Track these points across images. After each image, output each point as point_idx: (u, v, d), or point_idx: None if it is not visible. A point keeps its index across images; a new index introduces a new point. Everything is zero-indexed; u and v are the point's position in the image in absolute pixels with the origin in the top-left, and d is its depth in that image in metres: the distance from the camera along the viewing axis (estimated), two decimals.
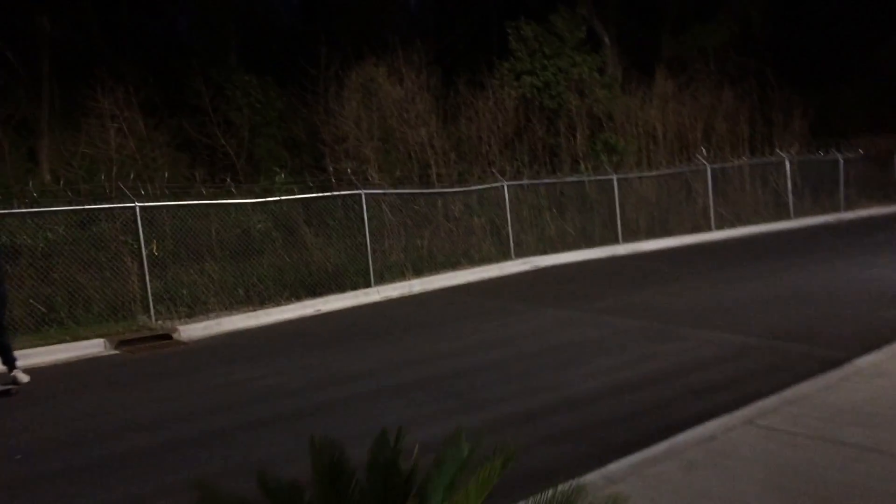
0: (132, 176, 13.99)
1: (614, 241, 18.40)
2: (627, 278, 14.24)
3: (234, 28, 23.42)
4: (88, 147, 15.62)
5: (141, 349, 10.26)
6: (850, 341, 7.86)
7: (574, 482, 2.81)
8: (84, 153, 15.53)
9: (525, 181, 17.69)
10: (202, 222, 12.77)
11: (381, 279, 14.09)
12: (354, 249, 14.13)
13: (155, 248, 11.89)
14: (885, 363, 6.75)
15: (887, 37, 27.97)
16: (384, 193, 15.16)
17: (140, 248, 11.61)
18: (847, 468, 4.51)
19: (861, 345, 7.49)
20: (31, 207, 11.42)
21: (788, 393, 6.08)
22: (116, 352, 10.21)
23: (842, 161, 23.38)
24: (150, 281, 11.69)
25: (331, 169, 16.40)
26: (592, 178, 18.87)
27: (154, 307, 11.57)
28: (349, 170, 15.82)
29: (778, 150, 22.54)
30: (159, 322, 11.39)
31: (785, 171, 22.10)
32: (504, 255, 16.42)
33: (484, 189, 16.88)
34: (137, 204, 11.70)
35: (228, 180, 14.15)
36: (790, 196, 22.07)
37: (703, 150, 21.35)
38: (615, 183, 18.67)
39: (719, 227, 20.23)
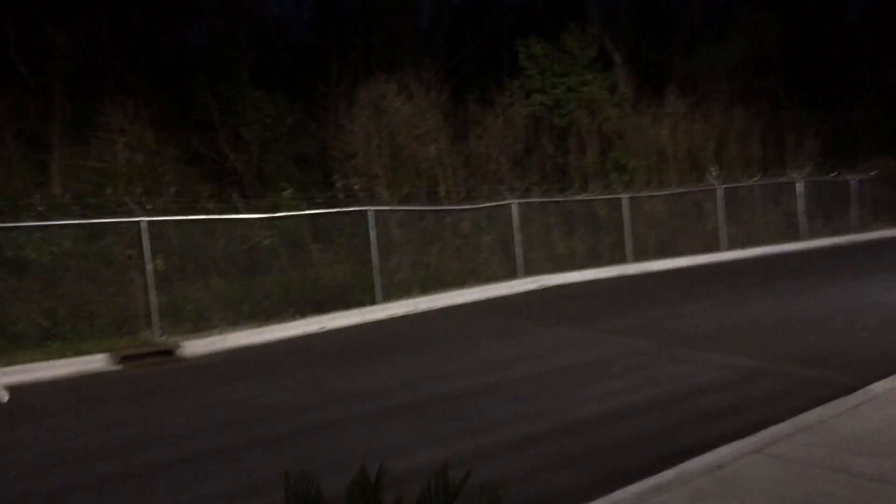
0: (139, 191, 13.96)
1: (623, 260, 18.25)
2: (636, 298, 14.08)
3: (245, 44, 23.48)
4: (97, 161, 15.63)
5: (143, 365, 10.18)
6: (863, 366, 7.67)
7: None
8: (92, 167, 15.54)
9: (534, 199, 17.58)
10: (208, 237, 12.72)
11: (388, 296, 13.99)
12: (361, 266, 14.04)
13: (158, 263, 11.83)
14: None
15: None
16: (392, 210, 15.09)
17: (145, 262, 11.55)
18: (858, 501, 4.36)
19: (875, 370, 7.30)
20: (36, 221, 11.37)
21: (799, 420, 5.91)
22: (119, 367, 10.13)
23: (854, 182, 23.18)
24: (155, 296, 11.63)
25: (339, 185, 16.34)
26: (602, 196, 18.76)
27: (158, 322, 11.50)
28: (356, 186, 15.76)
29: (789, 171, 22.35)
30: (163, 337, 11.31)
31: (797, 192, 21.91)
32: (512, 274, 16.29)
33: (492, 207, 16.79)
34: (143, 218, 11.67)
35: (235, 196, 14.09)
36: (802, 217, 21.87)
37: (714, 170, 21.19)
38: (625, 202, 18.55)
39: (730, 247, 20.04)
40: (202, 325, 11.88)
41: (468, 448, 6.07)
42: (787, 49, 28.51)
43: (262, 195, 16.90)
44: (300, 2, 32.03)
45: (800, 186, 21.88)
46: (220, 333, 11.58)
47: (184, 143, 18.93)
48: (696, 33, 27.14)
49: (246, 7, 24.58)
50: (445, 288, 14.94)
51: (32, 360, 9.85)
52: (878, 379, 6.86)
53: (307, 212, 14.01)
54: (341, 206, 14.29)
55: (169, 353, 10.74)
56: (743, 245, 20.23)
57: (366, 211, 14.10)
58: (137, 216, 11.76)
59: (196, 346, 11.01)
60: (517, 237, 16.55)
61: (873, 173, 23.69)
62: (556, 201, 18.01)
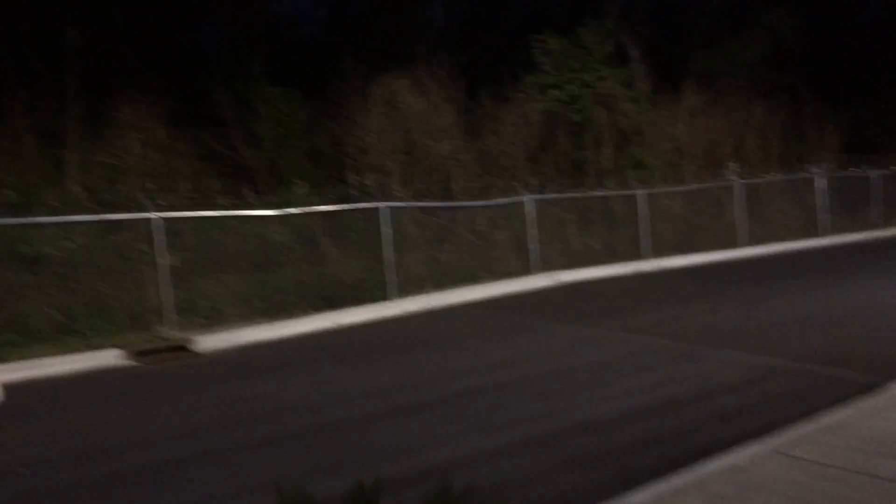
0: (151, 186, 13.95)
1: (640, 256, 18.07)
2: (652, 295, 13.90)
3: (259, 41, 23.45)
4: (110, 157, 15.65)
5: (157, 360, 10.15)
6: (886, 366, 7.49)
7: None
8: (106, 163, 15.57)
9: (549, 195, 17.43)
10: (222, 233, 12.68)
11: (401, 293, 13.91)
12: (374, 262, 13.97)
13: (170, 258, 11.80)
14: None
15: None
16: (405, 206, 15.00)
17: (158, 258, 11.54)
18: None
19: None
20: (50, 216, 11.39)
21: (821, 420, 5.77)
22: (132, 362, 10.11)
23: (875, 177, 22.82)
24: (169, 291, 11.62)
25: (352, 181, 16.27)
26: (618, 192, 18.57)
27: (172, 318, 11.48)
28: (369, 182, 15.69)
29: (809, 166, 22.04)
30: (176, 333, 11.28)
31: (817, 188, 21.61)
32: (526, 270, 16.16)
33: (507, 203, 16.66)
34: (155, 214, 11.65)
35: (247, 191, 14.06)
36: (822, 213, 21.57)
37: (733, 166, 20.94)
38: (641, 198, 18.36)
39: (749, 244, 19.79)
40: (215, 321, 11.86)
41: (481, 447, 5.97)
42: (808, 43, 28.12)
43: (276, 191, 16.86)
44: None
45: (820, 182, 21.57)
46: (234, 329, 11.55)
47: (197, 140, 18.92)
48: (714, 28, 26.81)
49: (260, 4, 24.53)
50: (459, 284, 14.84)
51: (46, 355, 9.85)
52: None
53: (320, 208, 13.94)
54: (354, 203, 14.21)
55: (182, 348, 10.72)
56: (762, 241, 19.97)
57: (379, 207, 14.02)
58: (150, 212, 11.73)
59: (209, 342, 10.97)
60: (532, 233, 16.41)
61: (895, 168, 23.32)
62: (571, 197, 17.85)
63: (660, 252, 18.45)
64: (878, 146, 24.94)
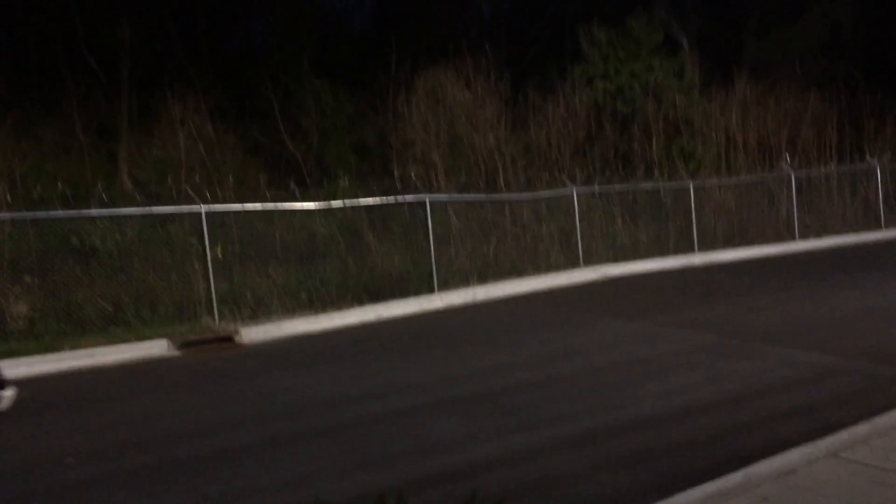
0: (199, 179, 14.15)
1: (690, 250, 17.67)
2: (703, 290, 13.58)
3: (306, 35, 23.61)
4: (160, 151, 15.92)
5: (202, 351, 10.27)
6: None
7: None
8: (156, 157, 15.84)
9: (596, 187, 17.16)
10: (267, 226, 12.78)
11: (445, 286, 13.84)
12: (419, 255, 13.93)
13: (220, 250, 11.94)
14: None
15: None
16: (450, 199, 14.91)
17: (205, 250, 11.68)
18: None
19: None
20: (99, 210, 11.60)
21: (878, 422, 5.53)
22: (178, 353, 10.25)
23: None
24: (215, 283, 11.74)
25: (397, 174, 16.24)
26: (667, 185, 18.19)
27: (217, 309, 11.61)
28: (414, 175, 15.64)
29: (868, 157, 21.28)
30: (222, 324, 11.41)
31: (876, 179, 20.84)
32: (572, 264, 15.94)
33: (553, 195, 16.45)
34: (203, 207, 11.78)
35: (292, 184, 14.13)
36: (881, 205, 20.81)
37: (787, 157, 20.33)
38: (691, 190, 17.95)
39: (803, 237, 19.21)
40: (260, 313, 11.95)
41: (522, 444, 5.87)
42: (864, 31, 27.16)
43: (322, 184, 16.95)
44: None
45: (879, 173, 20.81)
46: (278, 321, 11.61)
47: (245, 133, 19.15)
48: (768, 16, 26.08)
49: None
50: (504, 278, 14.70)
51: (96, 345, 10.03)
52: None
53: (365, 201, 13.94)
54: (399, 195, 14.17)
55: (227, 339, 10.82)
56: (818, 234, 19.37)
57: (424, 199, 13.96)
58: (198, 205, 11.87)
59: (254, 333, 11.06)
60: (578, 226, 16.17)
61: None
62: (618, 190, 17.54)
63: (710, 246, 18.03)
64: None
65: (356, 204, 13.86)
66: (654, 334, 9.76)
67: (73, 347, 9.89)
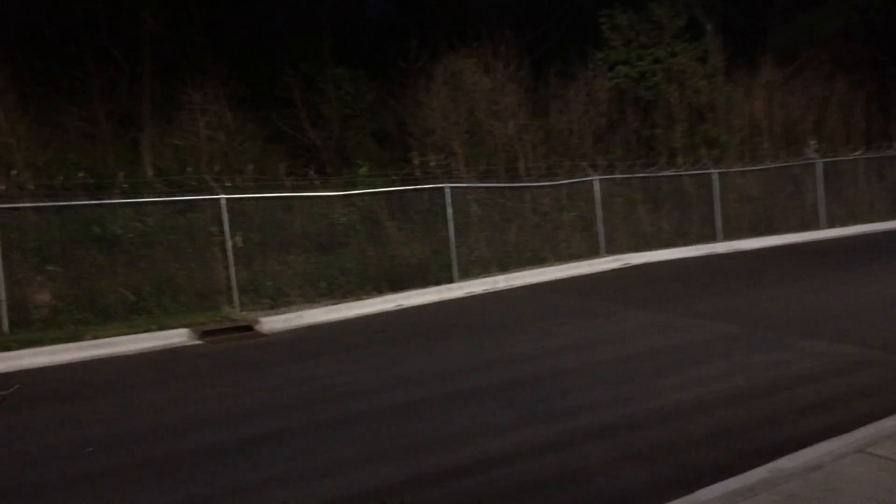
0: (218, 168, 14.15)
1: (713, 238, 17.46)
2: (726, 279, 13.40)
3: (327, 22, 23.54)
4: (181, 140, 15.94)
5: (222, 340, 10.31)
6: None
7: None
8: (177, 145, 15.86)
9: (618, 175, 16.98)
10: (287, 214, 12.77)
11: (465, 274, 13.78)
12: (438, 244, 13.86)
13: (240, 239, 11.95)
14: None
15: None
16: (469, 187, 14.82)
17: (225, 239, 11.70)
18: None
19: None
20: (120, 199, 11.65)
21: None
22: (199, 342, 10.29)
23: None
24: (235, 272, 11.77)
25: (416, 162, 16.15)
26: (690, 172, 17.96)
27: (238, 298, 11.64)
28: (433, 163, 15.54)
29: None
30: (243, 313, 11.44)
31: None
32: (594, 252, 15.81)
33: (574, 183, 16.29)
34: (223, 196, 11.79)
35: (312, 172, 14.10)
36: None
37: (814, 144, 19.97)
38: (715, 177, 17.71)
39: (830, 225, 18.91)
40: (280, 302, 11.97)
41: (542, 435, 5.81)
42: (892, 14, 26.55)
43: (343, 171, 16.91)
44: None
45: None
46: (298, 310, 11.63)
47: (265, 121, 19.14)
48: (793, 0, 25.57)
49: None
50: (524, 266, 14.62)
51: (118, 334, 10.10)
52: None
53: (385, 189, 13.89)
54: (419, 183, 14.11)
55: (248, 328, 10.85)
56: (845, 222, 19.05)
57: (443, 188, 13.88)
58: (217, 193, 11.88)
59: (274, 323, 11.08)
60: (599, 214, 16.02)
61: None
62: (640, 177, 17.35)
63: (734, 234, 17.80)
64: None
65: (376, 192, 13.82)
66: (676, 324, 9.64)
67: (95, 336, 9.97)
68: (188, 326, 10.53)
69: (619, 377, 7.37)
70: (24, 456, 6.11)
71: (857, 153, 20.51)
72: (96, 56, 19.39)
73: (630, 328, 9.68)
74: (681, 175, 17.87)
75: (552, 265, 14.84)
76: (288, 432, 6.27)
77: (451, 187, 14.04)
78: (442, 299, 12.81)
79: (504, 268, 14.41)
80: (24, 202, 11.38)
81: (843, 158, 20.00)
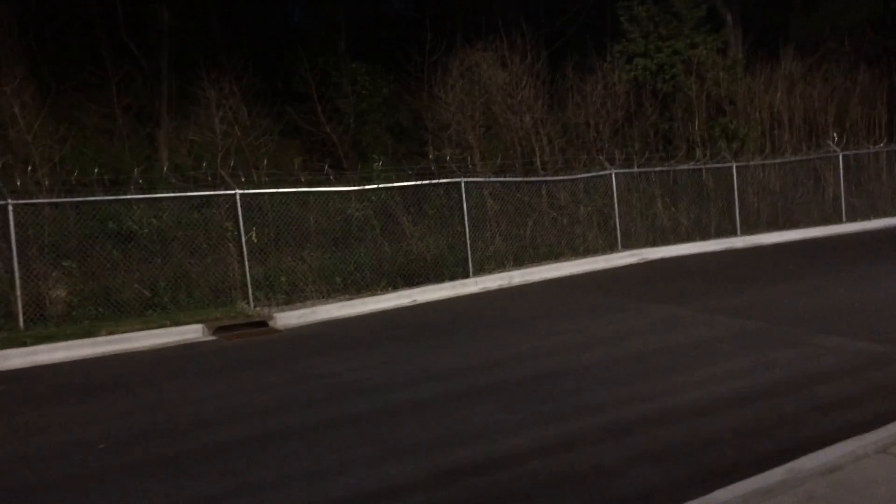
0: (232, 164, 14.15)
1: (732, 233, 17.25)
2: (745, 274, 13.22)
3: (344, 16, 23.51)
4: (197, 135, 15.97)
5: (236, 336, 10.29)
6: None
7: None
8: (192, 140, 15.90)
9: (635, 169, 16.80)
10: (302, 209, 12.74)
11: (481, 269, 13.69)
12: (454, 238, 13.78)
13: (254, 234, 11.94)
14: None
15: None
16: (485, 181, 14.71)
17: (240, 234, 11.69)
18: None
19: None
20: (135, 194, 11.67)
21: None
22: (213, 338, 10.29)
23: None
24: (250, 267, 11.76)
25: (431, 156, 16.07)
26: (709, 165, 17.74)
27: (252, 294, 11.63)
28: (448, 157, 15.45)
29: None
30: (257, 309, 11.43)
31: None
32: (611, 247, 15.66)
33: (590, 177, 16.14)
34: (238, 191, 11.77)
35: (327, 167, 14.06)
36: None
37: (835, 136, 19.67)
38: (734, 171, 17.48)
39: (851, 219, 18.62)
40: (295, 297, 11.94)
41: (557, 434, 5.72)
42: None
43: (359, 166, 16.88)
44: None
45: None
46: (312, 305, 11.59)
47: (281, 116, 19.14)
48: None
49: None
50: (540, 261, 14.50)
51: (133, 330, 10.11)
52: None
53: (400, 184, 13.82)
54: (434, 178, 14.02)
55: (262, 324, 10.83)
56: (867, 216, 18.75)
57: (459, 182, 13.79)
58: (232, 189, 11.87)
59: (288, 318, 11.06)
60: (617, 208, 15.86)
61: None
62: (658, 171, 17.15)
63: (753, 228, 17.58)
64: None
65: (392, 186, 13.76)
66: (694, 320, 9.51)
67: (110, 332, 9.98)
68: (202, 322, 10.52)
69: (635, 374, 7.26)
70: (36, 452, 6.11)
71: (880, 146, 20.17)
72: (114, 52, 19.51)
73: (647, 324, 9.56)
74: (699, 168, 17.66)
75: (568, 260, 14.71)
76: (301, 429, 6.23)
77: (467, 182, 13.95)
78: (457, 295, 12.74)
79: (519, 263, 14.31)
80: (40, 198, 11.44)
81: (864, 151, 19.69)
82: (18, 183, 11.73)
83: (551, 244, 15.16)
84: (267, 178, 13.00)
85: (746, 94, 20.05)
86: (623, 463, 5.10)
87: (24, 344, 9.46)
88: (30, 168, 12.83)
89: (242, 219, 11.74)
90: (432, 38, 19.71)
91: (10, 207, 10.27)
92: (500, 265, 14.05)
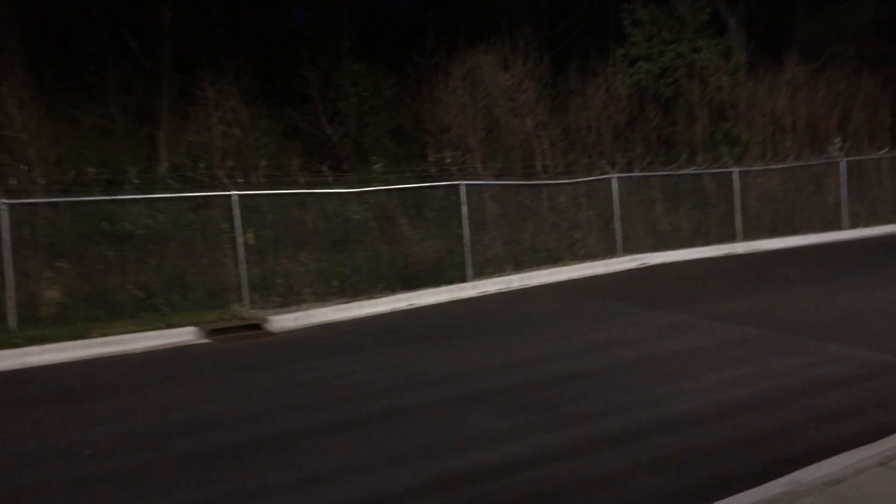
0: (230, 164, 14.05)
1: (733, 238, 17.14)
2: (745, 280, 13.10)
3: (347, 17, 23.41)
4: (195, 136, 15.87)
5: (230, 339, 10.18)
6: None
7: None
8: (191, 141, 15.79)
9: (636, 173, 16.70)
10: (300, 211, 12.64)
11: (479, 273, 13.58)
12: (452, 242, 13.67)
13: (251, 236, 11.84)
14: None
15: None
16: (485, 184, 14.60)
17: (236, 236, 11.58)
18: None
19: None
20: (131, 195, 11.56)
21: None
22: (207, 340, 10.18)
23: None
24: (246, 269, 11.65)
25: (431, 159, 15.97)
26: (711, 170, 17.64)
27: (248, 296, 11.52)
28: (449, 159, 15.35)
29: None
30: (252, 311, 11.32)
31: None
32: (610, 251, 15.55)
33: (591, 181, 16.04)
34: (234, 192, 11.67)
35: (325, 169, 13.94)
36: None
37: (837, 142, 19.55)
38: (736, 176, 17.38)
39: (853, 225, 18.51)
40: (291, 300, 11.84)
41: (554, 442, 5.62)
42: None
43: (359, 168, 16.77)
44: None
45: None
46: (308, 308, 11.49)
47: (281, 117, 19.04)
48: None
49: None
50: (539, 265, 14.40)
51: (126, 332, 10.01)
52: None
53: (399, 186, 13.72)
54: (434, 181, 13.92)
55: (257, 327, 10.72)
56: (868, 223, 18.65)
57: (459, 185, 13.68)
58: (230, 190, 11.77)
59: (284, 321, 10.95)
60: (617, 213, 15.75)
61: None
62: (659, 175, 17.05)
63: (754, 233, 17.47)
64: None
65: (391, 189, 13.65)
66: (694, 326, 9.39)
67: (103, 334, 9.88)
68: (196, 324, 10.41)
69: (634, 381, 7.15)
70: (19, 457, 5.99)
71: (883, 152, 20.07)
72: (115, 51, 19.41)
73: (646, 330, 9.45)
74: (700, 173, 17.56)
75: (567, 265, 14.61)
76: (293, 435, 6.12)
77: (467, 184, 13.84)
78: (454, 299, 12.63)
79: (518, 267, 14.20)
80: (34, 198, 11.34)
81: (867, 157, 19.58)
82: (14, 182, 11.62)
83: (551, 248, 15.05)
84: (265, 180, 12.89)
85: (749, 98, 19.96)
86: (621, 473, 4.99)
87: (15, 345, 9.36)
88: (26, 167, 12.73)
89: (240, 220, 11.63)
90: (435, 40, 19.60)
91: (4, 207, 10.18)
92: (499, 269, 13.94)
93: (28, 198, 11.18)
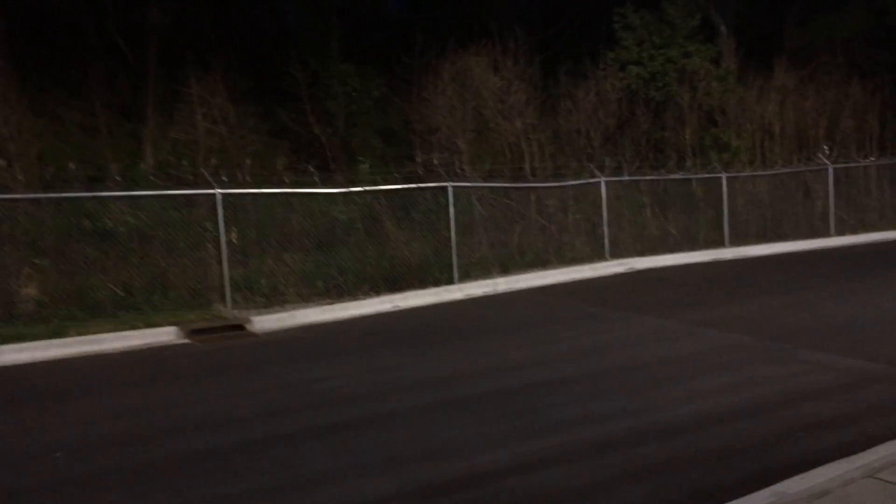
0: (214, 162, 13.87)
1: (720, 244, 17.11)
2: (733, 286, 13.05)
3: (337, 17, 23.28)
4: (180, 133, 15.69)
5: (211, 339, 10.00)
6: None
7: None
8: (175, 139, 15.61)
9: (625, 177, 16.64)
10: (285, 211, 12.48)
11: (466, 276, 13.46)
12: (439, 244, 13.54)
13: (235, 235, 11.67)
14: None
15: None
16: (473, 186, 14.49)
17: (220, 235, 11.41)
18: None
19: None
20: (112, 192, 11.37)
21: None
22: (187, 341, 9.99)
23: None
24: (229, 269, 11.48)
25: (419, 160, 15.85)
26: (699, 175, 17.61)
27: (231, 296, 11.35)
28: (436, 161, 15.22)
29: None
30: (234, 311, 11.15)
31: None
32: (598, 255, 15.48)
33: (580, 184, 15.96)
34: (218, 191, 11.50)
35: (311, 168, 13.79)
36: None
37: (826, 149, 19.59)
38: (724, 181, 17.36)
39: (840, 232, 18.55)
40: (274, 301, 11.66)
41: (536, 449, 5.51)
42: None
43: (347, 169, 16.63)
44: None
45: None
46: (292, 309, 11.32)
47: (268, 116, 18.88)
48: (810, 2, 25.13)
49: None
50: (527, 269, 14.30)
51: (104, 331, 9.81)
52: None
53: (386, 187, 13.58)
54: (421, 182, 13.79)
55: (239, 327, 10.55)
56: (855, 230, 18.68)
57: (446, 186, 13.56)
58: (213, 188, 11.60)
59: (266, 322, 10.77)
60: (605, 217, 15.68)
61: None
62: (648, 180, 17.01)
63: (742, 239, 17.45)
64: None
65: (377, 190, 13.51)
66: (681, 333, 9.31)
67: (80, 333, 9.66)
68: (176, 324, 10.22)
69: (619, 388, 7.06)
70: None
71: (870, 160, 20.12)
72: (100, 46, 19.20)
73: (633, 336, 9.36)
74: (689, 179, 17.53)
75: (555, 268, 14.51)
76: (271, 439, 5.97)
77: (455, 186, 13.72)
78: (440, 301, 12.50)
79: (506, 270, 14.09)
80: (14, 193, 11.14)
81: (854, 164, 19.63)
82: None
83: (538, 251, 14.96)
84: (251, 178, 12.73)
85: (738, 104, 19.97)
86: (605, 482, 4.90)
87: None
88: (5, 163, 12.51)
89: (223, 219, 11.46)
90: (424, 41, 19.50)
91: None
92: (485, 272, 13.82)
93: (8, 193, 10.98)
